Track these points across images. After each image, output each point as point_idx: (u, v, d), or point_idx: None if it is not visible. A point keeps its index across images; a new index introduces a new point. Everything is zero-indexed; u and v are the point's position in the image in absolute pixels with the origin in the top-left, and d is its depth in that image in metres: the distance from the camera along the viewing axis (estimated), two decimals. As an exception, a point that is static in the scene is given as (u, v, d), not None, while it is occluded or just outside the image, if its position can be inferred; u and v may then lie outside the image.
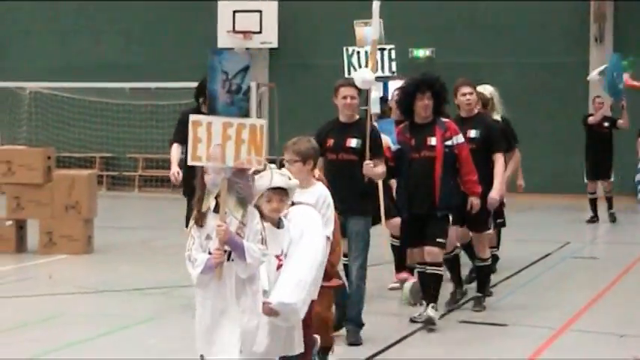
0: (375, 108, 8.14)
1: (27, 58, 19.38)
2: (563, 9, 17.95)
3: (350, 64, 8.76)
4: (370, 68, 7.17)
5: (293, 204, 4.86)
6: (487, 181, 7.21)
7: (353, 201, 6.35)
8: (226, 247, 4.19)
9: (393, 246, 8.36)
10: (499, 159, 7.49)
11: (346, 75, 8.45)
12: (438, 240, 6.74)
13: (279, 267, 4.60)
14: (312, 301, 4.89)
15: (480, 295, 7.61)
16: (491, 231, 7.82)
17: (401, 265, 8.20)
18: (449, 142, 6.77)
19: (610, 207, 13.91)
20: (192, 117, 4.34)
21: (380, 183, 7.57)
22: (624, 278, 9.41)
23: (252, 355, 4.34)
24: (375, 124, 7.54)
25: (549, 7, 17.81)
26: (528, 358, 6.23)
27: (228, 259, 4.23)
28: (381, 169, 6.58)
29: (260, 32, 18.35)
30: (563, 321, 7.24)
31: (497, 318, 7.40)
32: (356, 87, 6.72)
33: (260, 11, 18.45)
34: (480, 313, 7.51)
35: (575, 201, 15.68)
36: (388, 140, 7.26)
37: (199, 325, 4.31)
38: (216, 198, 4.21)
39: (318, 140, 5.99)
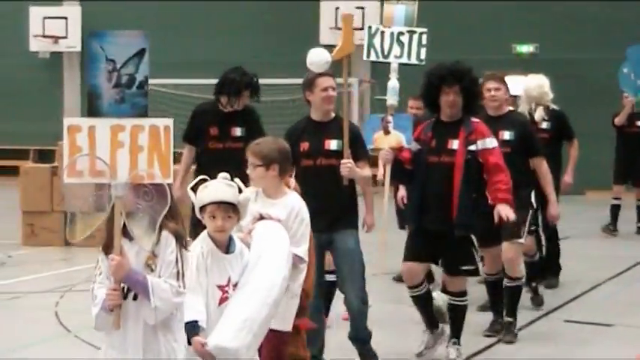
0: (392, 99, 7.17)
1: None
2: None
3: (371, 44, 7.54)
4: (338, 50, 5.92)
5: (262, 218, 4.28)
6: (522, 187, 6.39)
7: (339, 213, 5.61)
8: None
9: None
10: (542, 164, 6.69)
11: (365, 57, 7.50)
12: (463, 269, 5.79)
13: (222, 301, 3.84)
14: (284, 340, 4.38)
15: (510, 320, 6.61)
16: (523, 240, 6.72)
17: None
18: (472, 147, 5.71)
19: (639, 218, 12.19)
20: (68, 121, 3.52)
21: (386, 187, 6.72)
22: None
23: None
24: (390, 117, 6.75)
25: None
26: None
27: (135, 299, 3.47)
28: (366, 172, 5.75)
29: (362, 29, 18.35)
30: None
31: (601, 318, 7.29)
32: (331, 76, 5.76)
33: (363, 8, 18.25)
34: (583, 312, 7.39)
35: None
36: (402, 138, 6.44)
37: None
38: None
39: (290, 144, 5.10)
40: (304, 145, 5.64)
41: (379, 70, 14.70)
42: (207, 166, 6.29)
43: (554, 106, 8.49)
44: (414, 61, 7.40)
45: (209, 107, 7.07)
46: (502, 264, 6.64)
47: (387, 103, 7.03)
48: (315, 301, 5.22)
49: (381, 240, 6.63)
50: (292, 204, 4.41)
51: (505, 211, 5.64)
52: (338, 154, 5.64)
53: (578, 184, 9.85)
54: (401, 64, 7.26)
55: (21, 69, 20.15)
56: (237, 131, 6.86)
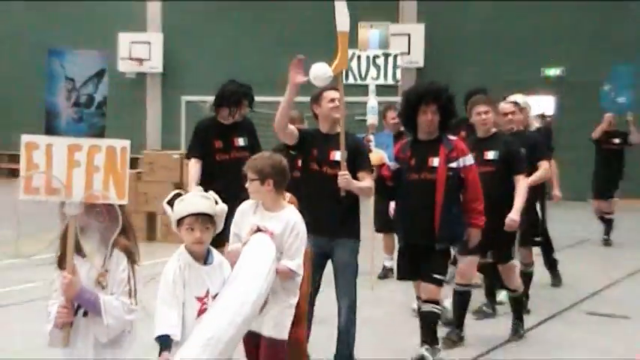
0: (372, 118, 7.59)
1: (206, 72, 20.38)
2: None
3: (349, 68, 8.06)
4: (335, 65, 5.68)
5: (259, 230, 4.26)
6: (508, 205, 6.37)
7: (338, 221, 5.51)
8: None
9: None
10: (521, 181, 6.50)
11: (343, 81, 7.22)
12: (434, 276, 5.72)
13: (201, 312, 3.79)
14: (280, 348, 4.29)
15: (517, 322, 6.83)
16: (516, 260, 6.90)
17: None
18: (454, 164, 5.71)
19: (606, 231, 11.99)
20: (25, 137, 3.39)
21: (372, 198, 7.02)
22: None
23: None
24: (372, 136, 7.15)
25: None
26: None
27: (85, 315, 3.41)
28: (365, 183, 5.58)
29: (408, 53, 18.99)
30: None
31: (620, 310, 7.65)
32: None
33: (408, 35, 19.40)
34: (605, 306, 7.74)
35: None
36: (384, 156, 6.72)
37: None
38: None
39: (302, 150, 5.58)
40: (314, 152, 5.60)
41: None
42: (216, 176, 6.74)
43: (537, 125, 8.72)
44: (390, 81, 8.21)
45: (210, 122, 7.13)
46: (472, 277, 6.76)
47: (367, 122, 7.53)
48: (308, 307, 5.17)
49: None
50: (288, 218, 4.32)
51: (474, 240, 5.92)
52: (339, 164, 5.54)
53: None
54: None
55: (111, 87, 22.39)
56: (240, 141, 7.01)
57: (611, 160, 11.75)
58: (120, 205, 3.40)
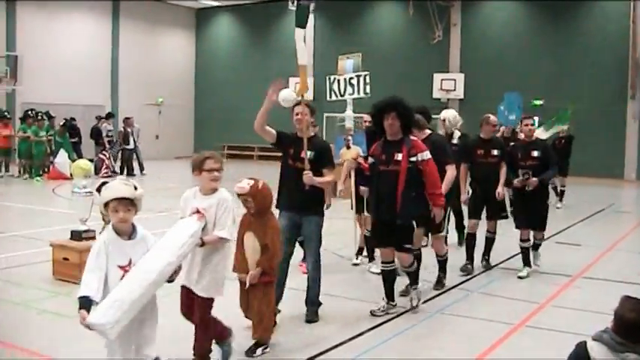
0: (349, 123, 10.60)
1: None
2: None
3: (331, 89, 10.73)
4: (298, 90, 7.14)
5: (198, 211, 5.20)
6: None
7: (307, 203, 6.88)
8: None
9: (366, 236, 9.38)
10: (448, 169, 8.07)
11: (328, 98, 10.75)
12: (404, 246, 7.22)
13: (122, 278, 4.39)
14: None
15: (441, 275, 8.66)
16: (444, 233, 8.85)
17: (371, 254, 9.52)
18: (413, 159, 7.08)
19: (486, 251, 9.97)
20: None
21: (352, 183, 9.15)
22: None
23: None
24: (350, 137, 9.57)
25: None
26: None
27: None
28: (327, 178, 6.91)
29: (454, 90, 28.27)
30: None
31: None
32: (307, 106, 6.99)
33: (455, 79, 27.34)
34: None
35: None
36: (359, 150, 8.89)
37: None
38: None
39: (280, 148, 7.01)
40: (291, 150, 6.96)
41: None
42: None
43: (462, 131, 10.61)
44: (362, 95, 10.66)
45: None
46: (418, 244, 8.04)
47: (345, 126, 10.47)
48: (283, 264, 6.61)
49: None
50: (219, 197, 5.30)
51: (438, 216, 7.33)
52: (310, 162, 6.83)
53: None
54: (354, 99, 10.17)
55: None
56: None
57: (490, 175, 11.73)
58: None
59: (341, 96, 10.78)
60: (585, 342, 3.95)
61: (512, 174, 9.28)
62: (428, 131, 8.25)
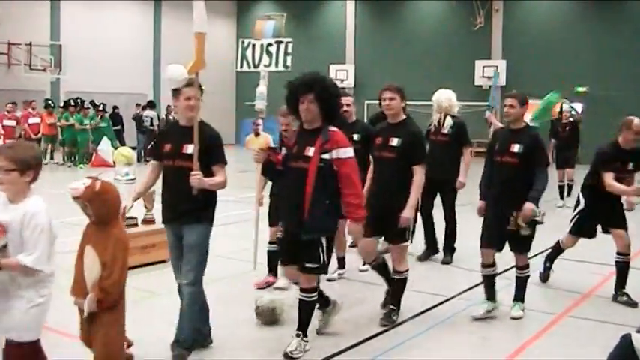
0: (260, 104, 7.53)
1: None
2: None
3: (243, 57, 8.19)
4: (192, 66, 5.67)
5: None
6: (406, 194, 6.36)
7: (190, 209, 5.39)
8: None
9: (269, 251, 7.69)
10: (418, 172, 6.41)
11: (238, 68, 8.25)
12: (306, 265, 5.65)
13: None
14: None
15: (393, 308, 6.72)
16: (407, 243, 6.61)
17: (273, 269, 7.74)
18: (326, 156, 5.50)
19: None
20: None
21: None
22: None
23: None
24: (260, 121, 7.38)
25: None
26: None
27: None
28: (218, 178, 5.46)
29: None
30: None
31: None
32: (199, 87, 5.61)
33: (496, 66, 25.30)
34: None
35: None
36: (269, 139, 7.14)
37: None
38: None
39: (156, 143, 5.70)
40: (166, 147, 5.56)
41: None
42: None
43: (457, 116, 9.17)
44: (280, 68, 8.12)
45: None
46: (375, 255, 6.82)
47: (255, 107, 7.52)
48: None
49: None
50: (29, 208, 3.98)
51: (356, 234, 5.83)
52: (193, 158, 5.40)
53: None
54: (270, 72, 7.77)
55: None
56: None
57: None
58: None
59: (254, 67, 8.41)
60: (630, 334, 3.90)
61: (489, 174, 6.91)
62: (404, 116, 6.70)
